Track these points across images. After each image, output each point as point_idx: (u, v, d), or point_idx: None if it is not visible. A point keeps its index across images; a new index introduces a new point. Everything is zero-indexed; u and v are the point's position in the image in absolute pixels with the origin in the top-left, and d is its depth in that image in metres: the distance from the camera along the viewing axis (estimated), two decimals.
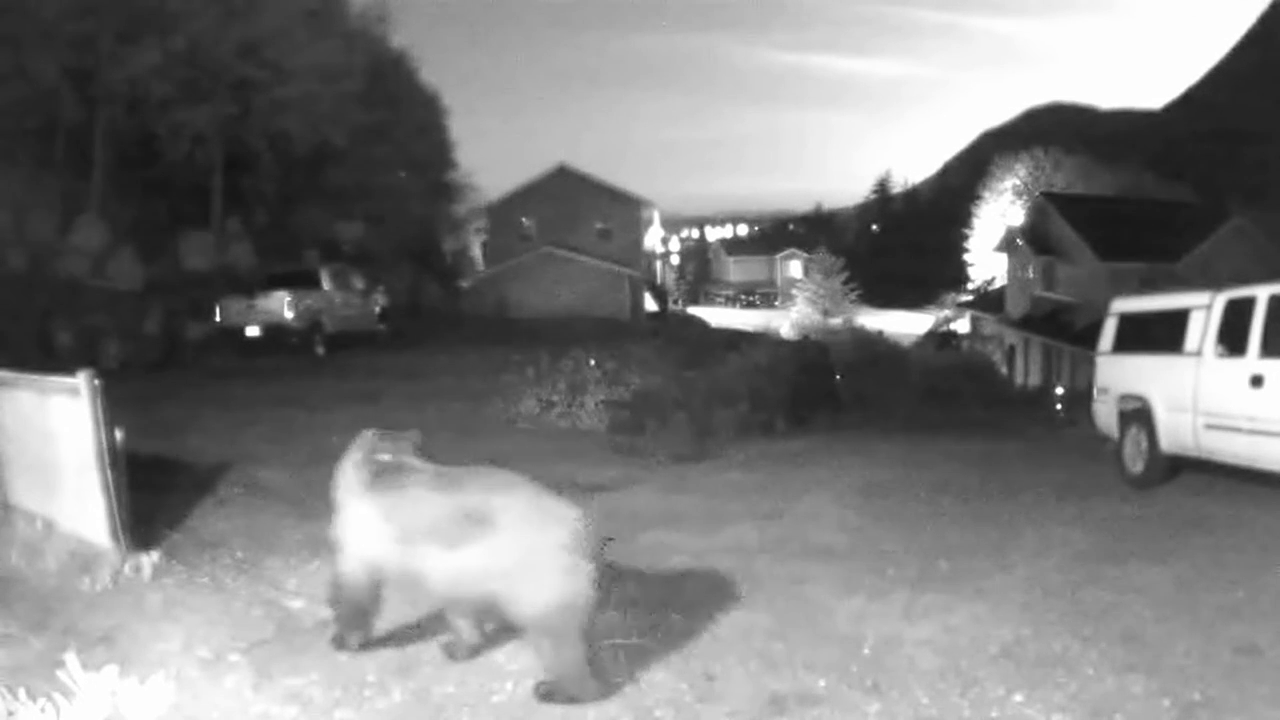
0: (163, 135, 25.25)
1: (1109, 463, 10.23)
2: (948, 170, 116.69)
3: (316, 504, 5.90)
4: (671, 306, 57.12)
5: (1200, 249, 33.62)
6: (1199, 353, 8.73)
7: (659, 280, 57.08)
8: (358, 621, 4.82)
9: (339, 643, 4.89)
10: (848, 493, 9.12)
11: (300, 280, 20.54)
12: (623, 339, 23.61)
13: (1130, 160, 60.84)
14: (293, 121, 26.31)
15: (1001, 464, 11.23)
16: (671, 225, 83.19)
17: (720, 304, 76.61)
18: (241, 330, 19.47)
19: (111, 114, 24.87)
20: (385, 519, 4.49)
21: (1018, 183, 58.63)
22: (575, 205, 43.65)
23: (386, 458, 4.66)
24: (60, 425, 6.20)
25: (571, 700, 4.28)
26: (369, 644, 4.90)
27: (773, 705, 4.39)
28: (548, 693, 4.32)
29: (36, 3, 22.13)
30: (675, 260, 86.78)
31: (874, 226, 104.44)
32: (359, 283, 22.87)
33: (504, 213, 45.22)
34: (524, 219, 44.58)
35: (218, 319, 20.04)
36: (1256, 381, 7.91)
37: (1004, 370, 40.96)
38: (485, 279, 42.86)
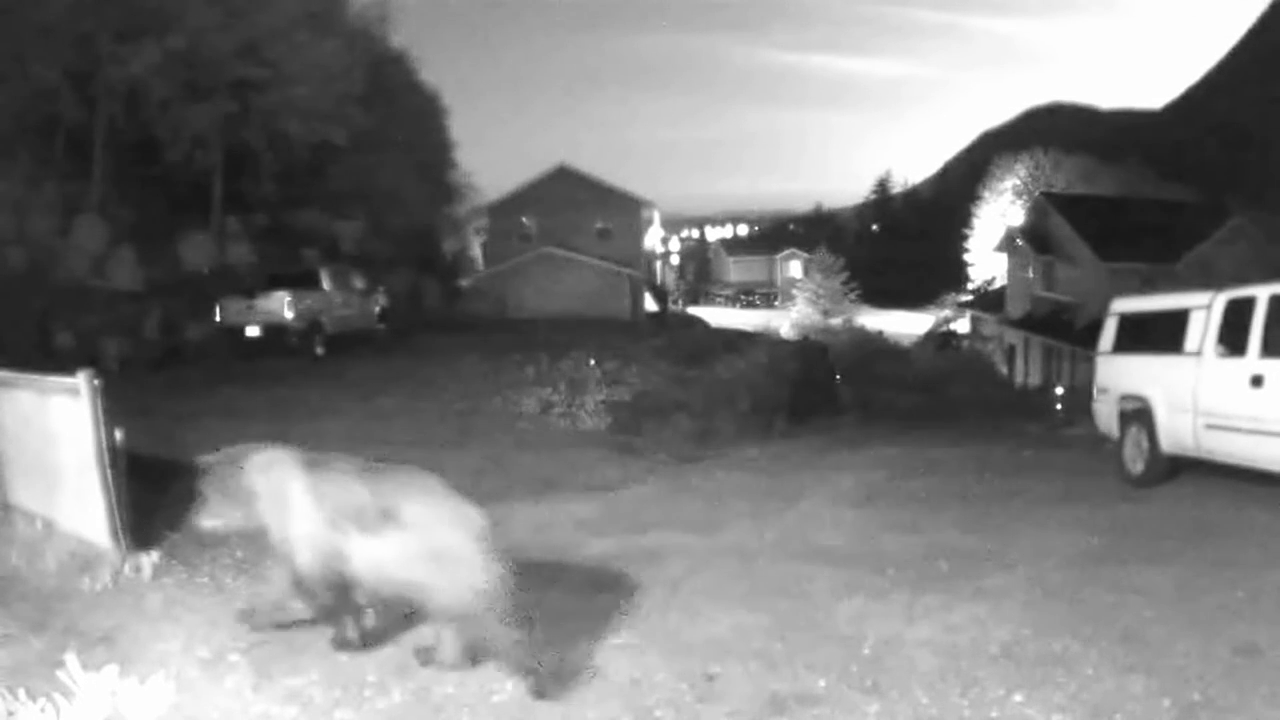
0: (162, 135, 25.23)
1: (1109, 463, 10.23)
2: (948, 170, 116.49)
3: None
4: (672, 306, 57.00)
5: (1200, 249, 33.53)
6: (1199, 353, 8.73)
7: (659, 280, 57.00)
8: (340, 611, 4.86)
9: (340, 643, 4.89)
10: (848, 493, 9.12)
11: (300, 280, 20.50)
12: (623, 339, 23.59)
13: (1130, 160, 60.70)
14: (292, 121, 26.28)
15: (1001, 464, 11.21)
16: (671, 225, 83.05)
17: (720, 304, 76.45)
18: (241, 330, 19.44)
19: (111, 114, 24.86)
20: (317, 503, 4.68)
21: (1018, 183, 58.47)
22: (575, 205, 43.58)
23: (315, 454, 4.97)
24: (60, 425, 6.21)
25: (540, 694, 4.36)
26: (370, 643, 4.90)
27: (773, 705, 4.40)
28: (539, 690, 4.37)
29: (36, 3, 22.12)
30: (675, 260, 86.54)
31: (874, 226, 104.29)
32: (359, 283, 22.85)
33: (504, 213, 45.17)
34: (524, 219, 44.54)
35: (218, 319, 20.01)
36: (1257, 381, 7.91)
37: (1004, 370, 40.92)
38: (485, 279, 42.80)
